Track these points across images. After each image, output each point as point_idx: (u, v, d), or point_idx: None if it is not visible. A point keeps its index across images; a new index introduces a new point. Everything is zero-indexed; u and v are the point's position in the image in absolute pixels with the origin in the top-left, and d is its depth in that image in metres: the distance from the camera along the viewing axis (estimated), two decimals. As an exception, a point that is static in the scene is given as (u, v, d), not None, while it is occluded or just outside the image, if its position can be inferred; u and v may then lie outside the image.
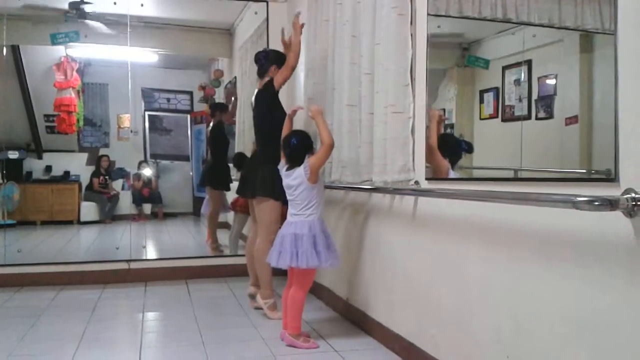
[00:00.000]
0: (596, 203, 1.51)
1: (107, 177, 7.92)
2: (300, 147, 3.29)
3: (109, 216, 7.82)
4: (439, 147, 2.75)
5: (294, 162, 3.29)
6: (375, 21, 3.15)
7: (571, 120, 2.05)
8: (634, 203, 1.51)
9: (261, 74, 3.98)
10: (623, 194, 1.54)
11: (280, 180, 3.37)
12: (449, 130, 2.84)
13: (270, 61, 3.93)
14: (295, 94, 4.77)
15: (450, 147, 2.74)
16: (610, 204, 1.51)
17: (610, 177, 1.64)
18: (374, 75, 3.17)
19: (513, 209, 2.06)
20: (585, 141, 1.98)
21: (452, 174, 2.72)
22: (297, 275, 3.24)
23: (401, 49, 2.89)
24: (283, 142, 3.35)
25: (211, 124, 6.18)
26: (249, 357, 3.07)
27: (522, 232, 2.06)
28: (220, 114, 6.15)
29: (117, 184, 8.12)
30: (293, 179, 3.27)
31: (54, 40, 5.62)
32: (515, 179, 2.26)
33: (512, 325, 2.10)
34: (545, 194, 1.78)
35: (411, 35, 2.85)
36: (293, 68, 3.85)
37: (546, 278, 1.92)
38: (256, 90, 3.97)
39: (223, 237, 6.05)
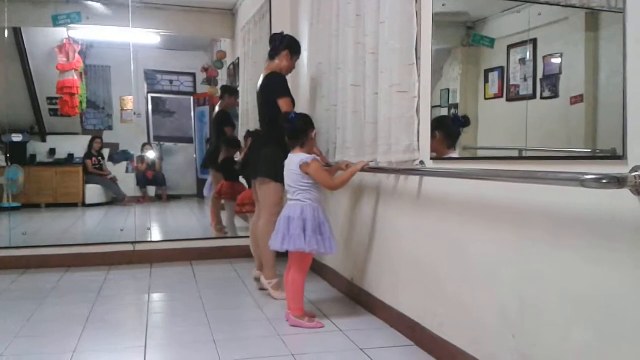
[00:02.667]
0: (604, 181, 1.49)
1: (99, 157, 7.94)
2: (300, 121, 3.30)
3: (121, 196, 7.85)
4: (436, 129, 2.74)
5: (295, 138, 3.31)
6: (379, -1, 3.12)
7: (576, 99, 2.04)
8: (641, 180, 1.50)
9: (272, 55, 3.94)
10: (631, 171, 1.53)
11: (283, 161, 3.38)
12: (453, 111, 2.83)
13: (284, 45, 3.89)
14: (299, 74, 4.74)
15: (447, 126, 2.73)
16: (618, 181, 1.49)
17: (617, 155, 1.63)
18: (378, 55, 3.14)
19: (518, 188, 2.06)
20: (590, 120, 1.97)
21: (454, 154, 2.71)
22: (294, 257, 3.27)
23: (406, 27, 2.86)
24: (282, 118, 3.37)
25: (217, 107, 6.17)
26: (255, 337, 3.09)
27: (528, 211, 2.05)
28: (229, 97, 6.13)
29: (120, 167, 8.14)
30: (292, 161, 3.29)
31: (56, 21, 5.59)
32: (521, 158, 2.25)
33: (517, 304, 2.11)
34: (552, 172, 1.76)
35: (416, 13, 2.82)
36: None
37: (552, 257, 1.92)
38: (262, 74, 3.94)
39: (226, 218, 6.08)
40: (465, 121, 2.64)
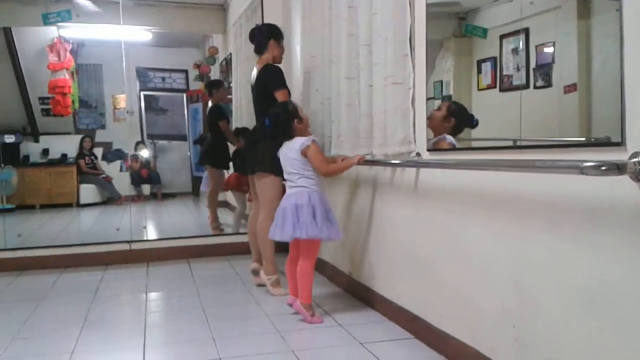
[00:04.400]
0: (603, 168, 1.48)
1: (93, 157, 7.91)
2: (282, 116, 3.29)
3: (117, 195, 7.83)
4: (454, 115, 2.71)
5: (281, 132, 3.30)
6: (372, -10, 3.10)
7: (570, 88, 2.03)
8: (641, 167, 1.50)
9: (259, 50, 3.91)
10: (630, 157, 1.52)
11: None
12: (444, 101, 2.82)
13: (267, 36, 3.87)
14: (292, 67, 4.72)
15: (464, 119, 2.69)
16: (618, 168, 1.49)
17: (615, 142, 1.62)
18: (372, 46, 3.12)
19: (516, 177, 2.05)
20: (584, 109, 1.96)
21: (454, 143, 2.70)
22: (302, 246, 3.24)
23: (399, 18, 2.84)
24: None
25: (209, 103, 6.15)
26: (254, 333, 3.08)
27: (526, 200, 2.04)
28: (217, 91, 6.10)
29: (114, 166, 8.11)
30: (289, 148, 3.27)
31: (46, 20, 5.55)
32: (518, 147, 2.23)
33: (517, 294, 2.10)
34: (550, 161, 1.75)
35: (409, 3, 2.81)
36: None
37: (551, 246, 1.91)
38: (256, 68, 3.91)
39: (223, 216, 6.06)
40: (476, 124, 2.60)
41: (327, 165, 3.29)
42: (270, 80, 3.74)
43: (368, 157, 3.20)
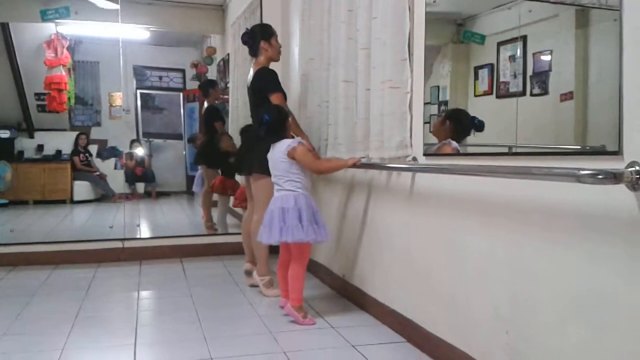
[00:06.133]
0: (600, 176, 1.49)
1: (87, 154, 7.90)
2: (274, 121, 3.28)
3: (111, 193, 7.82)
4: (449, 118, 2.73)
5: (276, 133, 3.30)
6: (372, -6, 3.10)
7: (566, 96, 2.04)
8: (637, 176, 1.51)
9: (253, 53, 3.92)
10: (627, 166, 1.53)
11: None
12: (443, 108, 2.82)
13: (258, 39, 3.86)
14: (290, 70, 4.73)
15: (461, 122, 2.68)
16: (615, 177, 1.49)
17: (612, 151, 1.62)
18: (370, 50, 3.13)
19: (512, 184, 2.06)
20: (580, 117, 1.97)
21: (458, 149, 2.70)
22: (293, 250, 3.24)
23: (398, 22, 2.85)
24: (257, 122, 3.37)
25: (205, 103, 6.14)
26: (246, 334, 3.08)
27: (521, 207, 2.05)
28: (213, 91, 6.10)
29: (109, 163, 8.10)
30: (277, 150, 3.28)
31: (44, 16, 5.54)
32: (514, 154, 2.24)
33: (511, 300, 2.11)
34: (547, 168, 1.76)
35: (409, 8, 2.81)
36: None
37: (546, 253, 1.92)
38: (252, 70, 3.91)
39: (217, 216, 6.06)
40: (480, 126, 2.58)
41: (320, 164, 3.31)
42: (264, 85, 3.75)
43: (364, 161, 3.21)
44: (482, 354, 2.29)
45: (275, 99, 3.66)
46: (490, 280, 2.23)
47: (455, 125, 2.70)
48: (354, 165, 3.21)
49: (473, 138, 2.64)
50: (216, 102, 6.19)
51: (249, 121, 4.13)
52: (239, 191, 5.06)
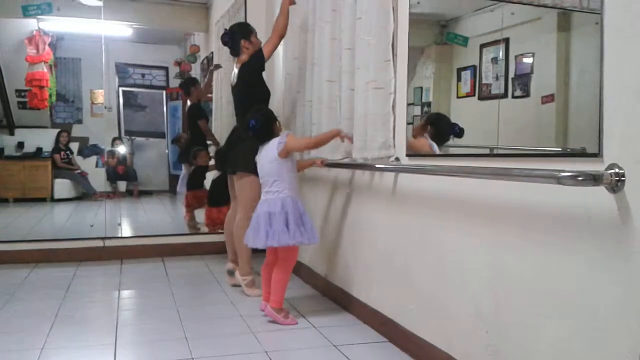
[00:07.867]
0: (580, 178, 1.51)
1: (68, 152, 7.82)
2: (261, 126, 3.28)
3: (92, 191, 7.74)
4: (431, 124, 2.75)
5: (266, 136, 3.29)
6: (356, -6, 3.11)
7: (547, 98, 2.06)
8: (617, 178, 1.52)
9: (235, 53, 3.91)
10: (607, 169, 1.55)
11: None
12: (426, 109, 2.84)
13: (237, 38, 3.85)
14: (274, 69, 4.72)
15: (441, 127, 2.71)
16: (594, 179, 1.52)
17: (592, 153, 1.64)
18: (354, 51, 3.14)
19: (493, 185, 2.07)
20: (561, 119, 2.00)
21: (436, 148, 2.73)
22: (280, 253, 3.23)
23: (383, 23, 2.86)
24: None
25: (188, 102, 6.11)
26: (228, 334, 3.07)
27: (502, 208, 2.07)
28: (195, 89, 6.07)
29: (90, 161, 8.01)
30: (266, 151, 3.27)
31: (26, 12, 5.48)
32: (496, 155, 2.26)
33: (491, 300, 2.13)
34: (527, 170, 1.78)
35: (393, 8, 2.82)
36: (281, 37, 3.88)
37: (526, 253, 1.94)
38: (235, 68, 3.90)
39: (200, 215, 6.02)
40: (460, 133, 2.60)
41: (311, 141, 3.33)
42: (251, 78, 3.79)
43: (347, 161, 3.22)
44: (462, 354, 2.31)
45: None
46: (471, 281, 2.25)
47: (435, 130, 2.72)
48: (323, 163, 3.38)
49: (455, 140, 2.66)
50: (200, 101, 6.16)
51: (233, 119, 4.11)
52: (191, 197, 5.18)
